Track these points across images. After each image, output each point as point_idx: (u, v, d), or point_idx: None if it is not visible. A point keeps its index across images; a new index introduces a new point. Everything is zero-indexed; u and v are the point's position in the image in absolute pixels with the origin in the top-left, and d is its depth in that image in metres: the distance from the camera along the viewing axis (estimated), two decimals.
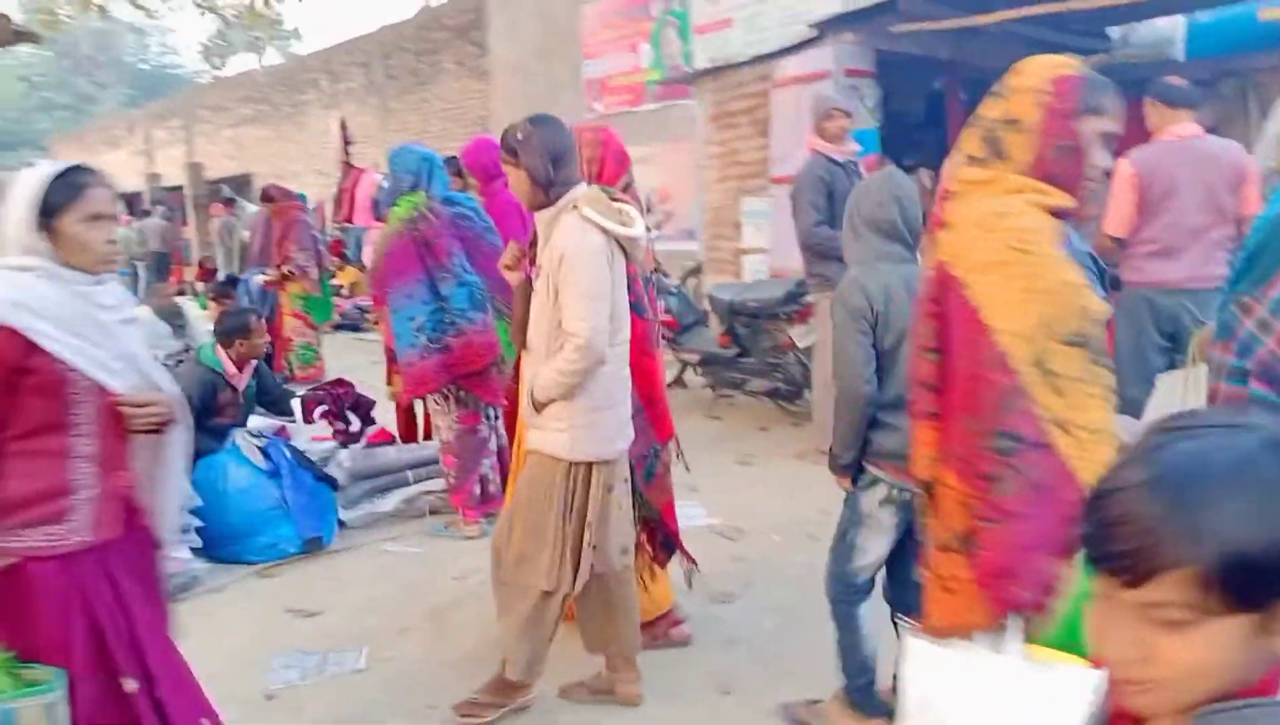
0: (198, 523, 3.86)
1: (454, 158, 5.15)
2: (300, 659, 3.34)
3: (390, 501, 4.77)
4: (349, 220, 14.24)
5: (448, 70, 15.20)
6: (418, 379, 4.29)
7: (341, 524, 4.56)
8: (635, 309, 3.02)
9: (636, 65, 11.72)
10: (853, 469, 2.61)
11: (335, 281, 14.03)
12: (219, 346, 4.60)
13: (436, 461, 4.68)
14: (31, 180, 1.99)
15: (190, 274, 16.17)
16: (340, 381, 5.57)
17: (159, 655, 2.11)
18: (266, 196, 8.64)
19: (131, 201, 19.68)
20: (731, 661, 3.24)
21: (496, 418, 4.52)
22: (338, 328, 11.50)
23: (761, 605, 3.65)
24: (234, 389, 4.60)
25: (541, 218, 2.75)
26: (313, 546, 4.32)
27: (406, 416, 5.71)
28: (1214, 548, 0.76)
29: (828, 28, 6.54)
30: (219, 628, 3.60)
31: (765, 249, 7.57)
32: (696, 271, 8.76)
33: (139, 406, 2.06)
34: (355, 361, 8.87)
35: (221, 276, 11.63)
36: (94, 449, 2.03)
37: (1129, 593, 0.79)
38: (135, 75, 38.68)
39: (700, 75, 8.36)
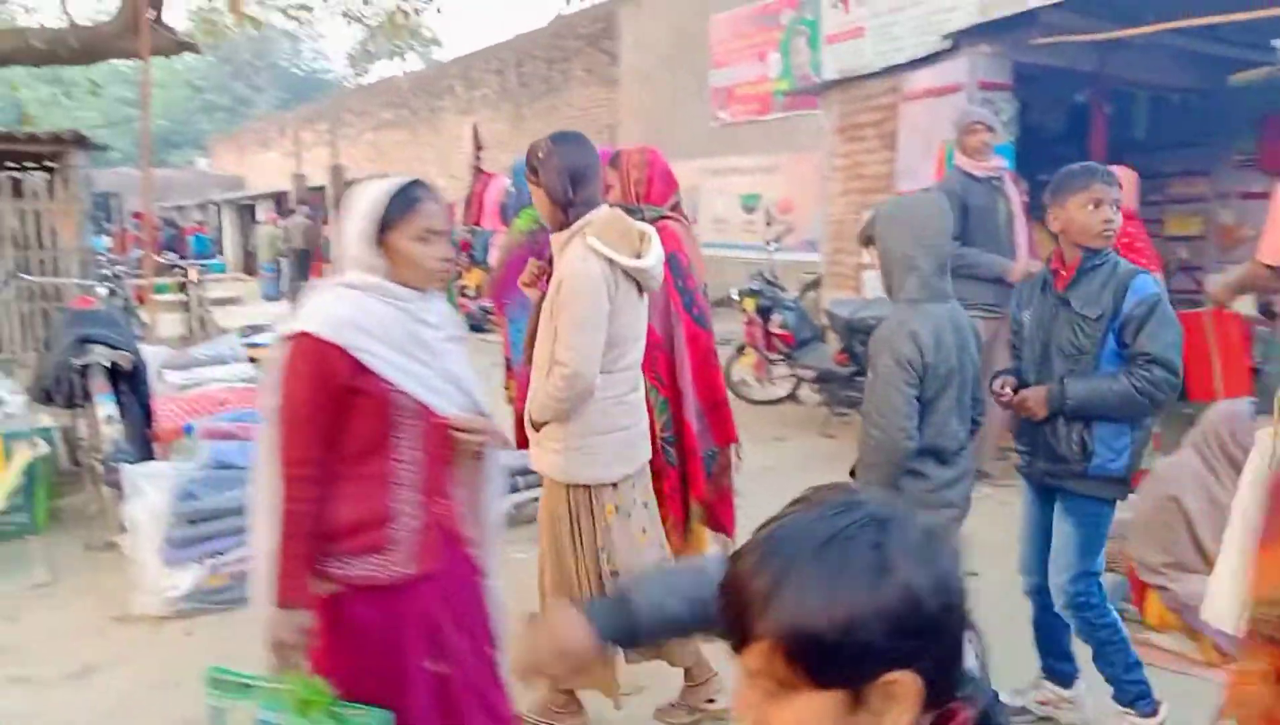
0: None
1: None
2: None
3: (500, 507, 4.86)
4: (477, 223, 14.66)
5: (578, 77, 15.45)
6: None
7: None
8: (699, 322, 3.15)
9: (764, 75, 11.63)
10: None
11: (461, 282, 14.48)
12: None
13: None
14: (371, 194, 1.94)
15: (328, 270, 16.96)
16: None
17: (484, 696, 2.02)
18: None
19: (280, 201, 20.83)
20: None
21: None
22: (472, 329, 11.83)
23: None
24: None
25: (557, 240, 2.71)
26: None
27: (520, 423, 5.83)
28: (782, 621, 0.76)
29: (963, 39, 6.33)
30: None
31: None
32: (815, 285, 8.62)
33: (469, 430, 1.98)
34: (477, 363, 9.05)
35: None
36: (417, 475, 1.94)
37: (739, 659, 0.81)
38: (288, 80, 40.91)
39: (828, 86, 8.22)
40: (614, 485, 2.68)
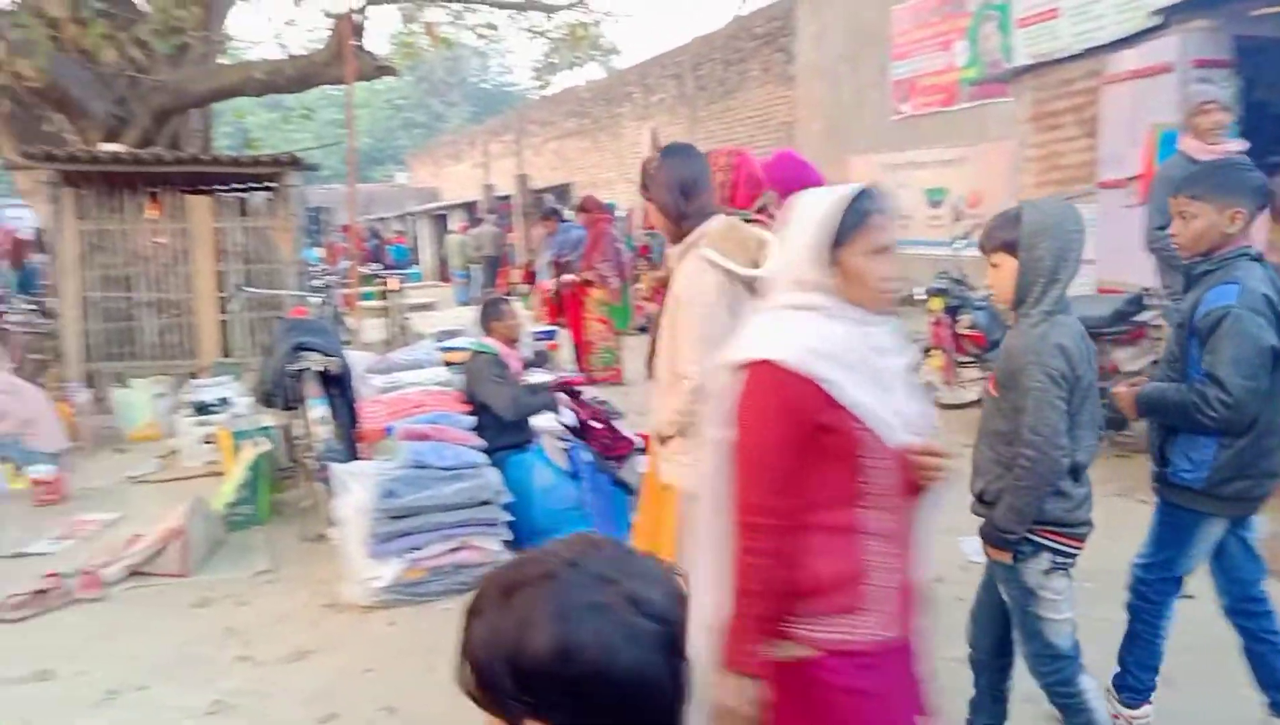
0: (508, 517, 4.20)
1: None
2: None
3: None
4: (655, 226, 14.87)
5: (754, 77, 15.37)
6: None
7: (631, 528, 4.76)
8: None
9: (950, 64, 11.15)
10: (1017, 542, 2.37)
11: (640, 285, 14.72)
12: (485, 333, 4.95)
13: None
14: (822, 206, 1.75)
15: (515, 276, 17.69)
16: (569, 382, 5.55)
17: None
18: (583, 208, 9.21)
19: (470, 210, 21.89)
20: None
21: None
22: (642, 330, 12.00)
23: None
24: (508, 366, 4.88)
25: (673, 254, 2.68)
26: None
27: None
28: (463, 647, 0.87)
29: (1173, 14, 5.84)
30: None
31: (1090, 260, 6.91)
32: None
33: (929, 459, 1.76)
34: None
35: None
36: (886, 523, 1.72)
37: None
38: (478, 94, 42.98)
39: (1021, 72, 7.79)
40: None
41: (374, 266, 15.65)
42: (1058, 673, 2.44)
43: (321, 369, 4.90)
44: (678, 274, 2.63)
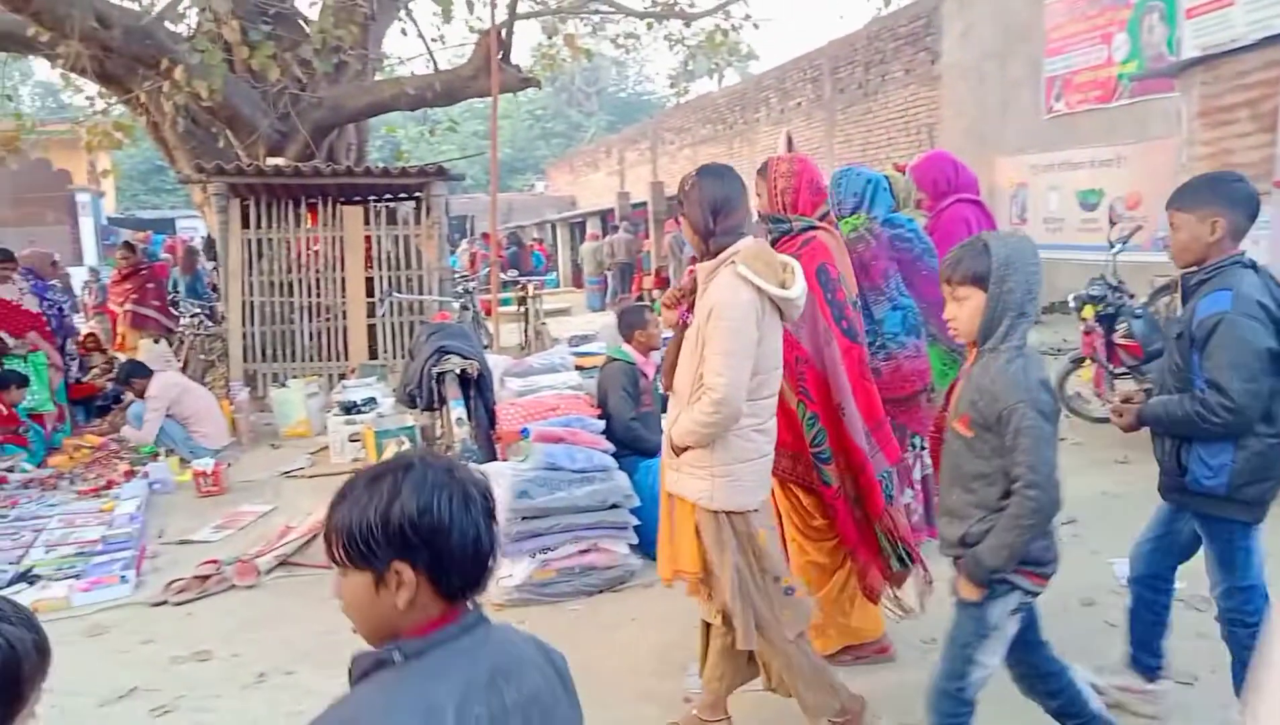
0: (635, 521, 4.21)
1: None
2: None
3: None
4: None
5: (895, 79, 14.97)
6: None
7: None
8: (848, 335, 3.12)
9: (1108, 58, 10.55)
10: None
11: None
12: (624, 340, 4.98)
13: None
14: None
15: (648, 282, 17.84)
16: None
17: None
18: None
19: (605, 218, 22.21)
20: None
21: (922, 447, 4.33)
22: None
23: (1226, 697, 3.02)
24: (645, 376, 4.94)
25: (702, 268, 2.75)
26: None
27: None
28: (333, 522, 1.23)
29: None
30: (648, 622, 3.87)
31: (1268, 265, 6.38)
32: (1166, 290, 7.64)
33: None
34: None
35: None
36: None
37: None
38: (614, 104, 43.62)
39: (1190, 65, 7.27)
40: (756, 510, 2.72)
41: (513, 272, 16.09)
42: (954, 715, 2.37)
43: (462, 372, 5.06)
44: (710, 289, 2.67)
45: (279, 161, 8.91)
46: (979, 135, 12.52)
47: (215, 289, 11.99)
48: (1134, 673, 2.99)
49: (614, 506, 4.10)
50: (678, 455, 2.74)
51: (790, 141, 14.59)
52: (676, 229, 14.82)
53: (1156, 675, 2.97)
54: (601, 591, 4.19)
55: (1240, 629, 2.67)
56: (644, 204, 20.11)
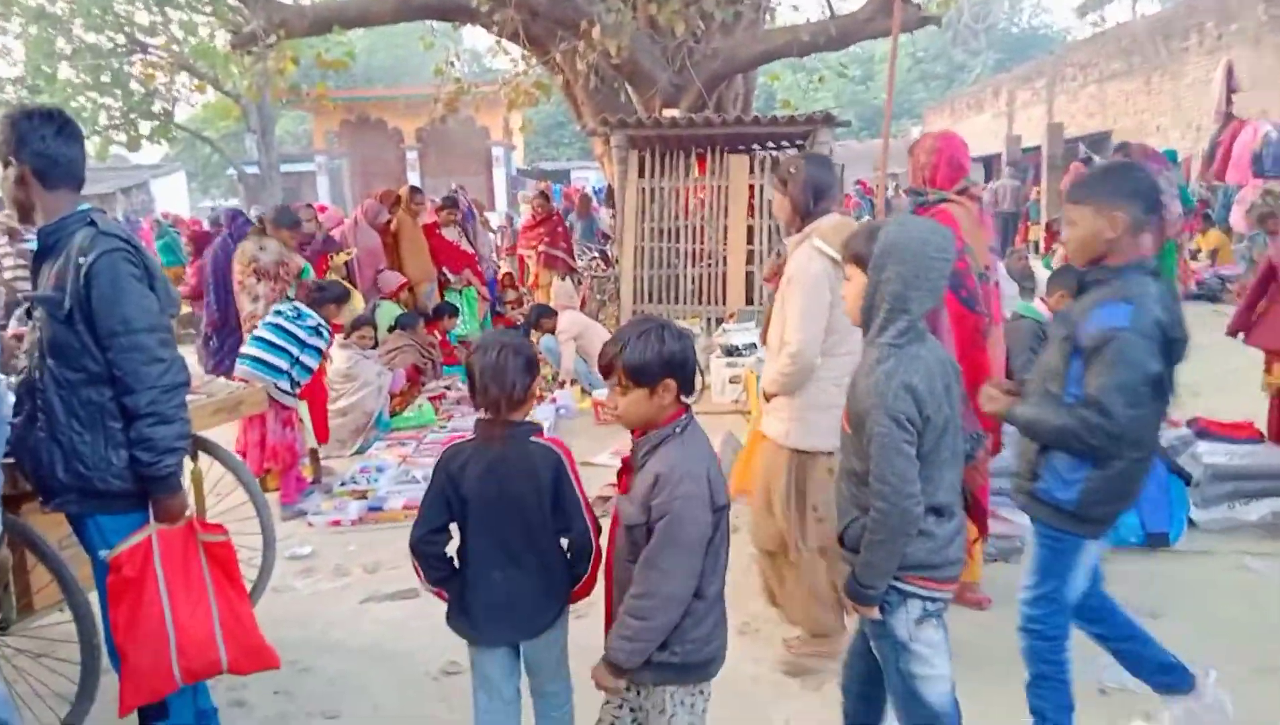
0: None
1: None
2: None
3: (1256, 510, 4.17)
4: (1220, 177, 12.71)
5: None
6: None
7: (1192, 524, 4.16)
8: (966, 303, 3.28)
9: None
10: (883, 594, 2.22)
11: (1194, 246, 12.73)
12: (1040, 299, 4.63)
13: None
14: None
15: (1036, 234, 16.44)
16: None
17: None
18: (1127, 155, 8.16)
19: (989, 165, 20.74)
20: None
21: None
22: (1193, 297, 10.40)
23: None
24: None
25: (791, 241, 3.20)
26: (1155, 542, 4.03)
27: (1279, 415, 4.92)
28: (625, 361, 2.07)
29: None
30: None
31: None
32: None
33: None
34: (1203, 339, 7.95)
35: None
36: None
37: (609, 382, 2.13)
38: (1006, 41, 40.29)
39: None
40: (829, 453, 3.02)
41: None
42: None
43: None
44: (791, 259, 3.12)
45: (674, 113, 9.34)
46: None
47: (605, 236, 13.00)
48: (1173, 695, 2.72)
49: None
50: (767, 401, 3.24)
51: (1231, 72, 12.58)
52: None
53: (1190, 683, 2.69)
54: (996, 561, 3.98)
55: (1039, 642, 2.56)
56: (1036, 148, 18.49)
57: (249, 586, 3.05)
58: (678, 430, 2.09)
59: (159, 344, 2.46)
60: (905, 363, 2.12)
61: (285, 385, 5.08)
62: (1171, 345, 2.33)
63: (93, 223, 2.47)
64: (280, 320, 5.10)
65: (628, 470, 2.19)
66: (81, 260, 2.38)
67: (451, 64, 10.95)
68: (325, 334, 5.28)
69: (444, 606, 2.40)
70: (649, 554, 2.03)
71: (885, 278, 2.15)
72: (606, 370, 2.14)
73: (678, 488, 2.01)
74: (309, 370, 5.23)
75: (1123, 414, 2.27)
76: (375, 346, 6.77)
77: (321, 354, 5.36)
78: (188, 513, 2.63)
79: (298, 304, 5.31)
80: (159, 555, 2.51)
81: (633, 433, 2.17)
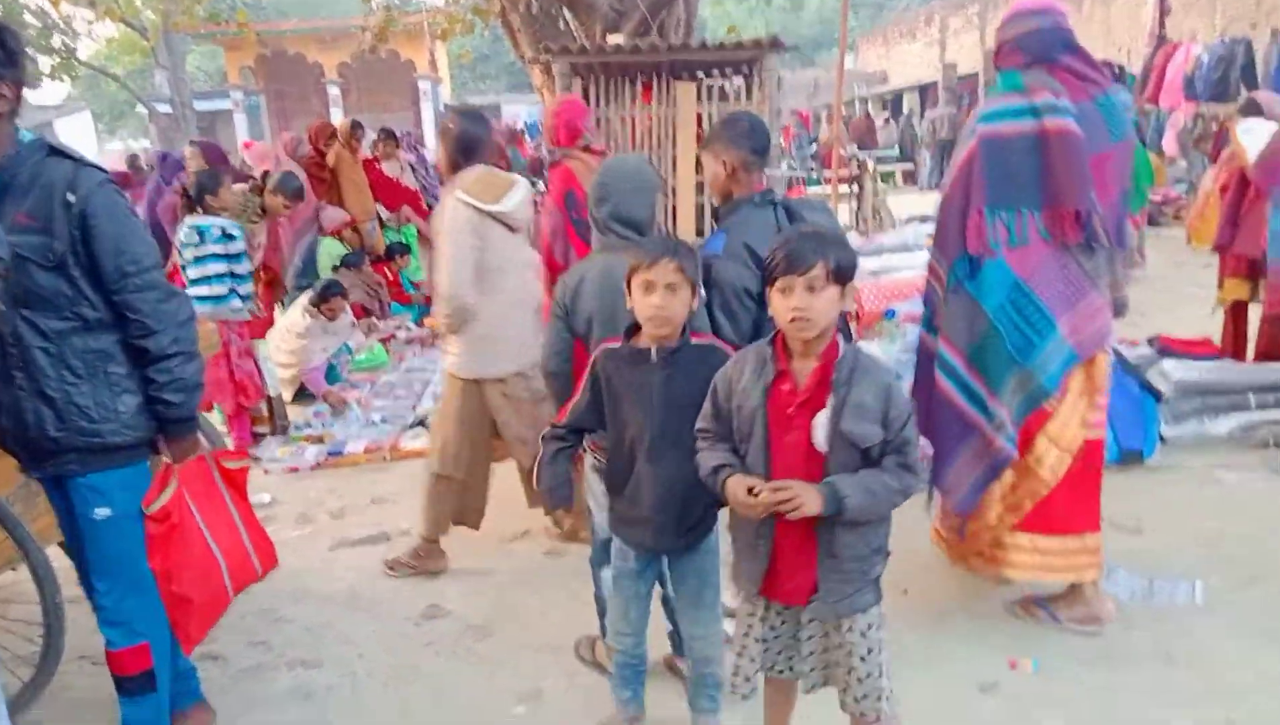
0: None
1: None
2: (1128, 580, 3.18)
3: (1224, 424, 4.24)
4: (1153, 100, 12.87)
5: None
6: None
7: (1163, 439, 4.22)
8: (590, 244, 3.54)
9: None
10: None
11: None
12: None
13: None
14: None
15: None
16: None
17: None
18: None
19: (924, 92, 20.75)
20: None
21: None
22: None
23: None
24: None
25: (445, 192, 3.51)
26: (1129, 458, 4.08)
27: (1235, 329, 5.02)
28: (830, 257, 1.88)
29: None
30: None
31: None
32: None
33: None
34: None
35: None
36: None
37: (800, 278, 1.86)
38: None
39: None
40: (501, 380, 3.44)
41: (852, 149, 15.58)
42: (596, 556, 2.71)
43: None
44: (438, 212, 3.41)
45: (618, 38, 9.02)
46: None
47: (536, 170, 12.67)
48: None
49: None
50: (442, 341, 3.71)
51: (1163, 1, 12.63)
52: None
53: None
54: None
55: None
56: (974, 75, 18.53)
57: None
58: (855, 341, 2.00)
59: (166, 279, 2.37)
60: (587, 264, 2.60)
61: (235, 303, 4.79)
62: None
63: (59, 152, 2.21)
64: (194, 251, 4.67)
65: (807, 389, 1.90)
66: (71, 197, 2.13)
67: None
68: (238, 233, 4.83)
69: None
70: (905, 459, 1.89)
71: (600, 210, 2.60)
72: (790, 264, 1.85)
73: (903, 391, 1.97)
74: (248, 276, 4.93)
75: (724, 326, 2.55)
76: (334, 319, 6.23)
77: (247, 256, 4.93)
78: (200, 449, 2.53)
79: (194, 223, 4.73)
80: (190, 496, 2.43)
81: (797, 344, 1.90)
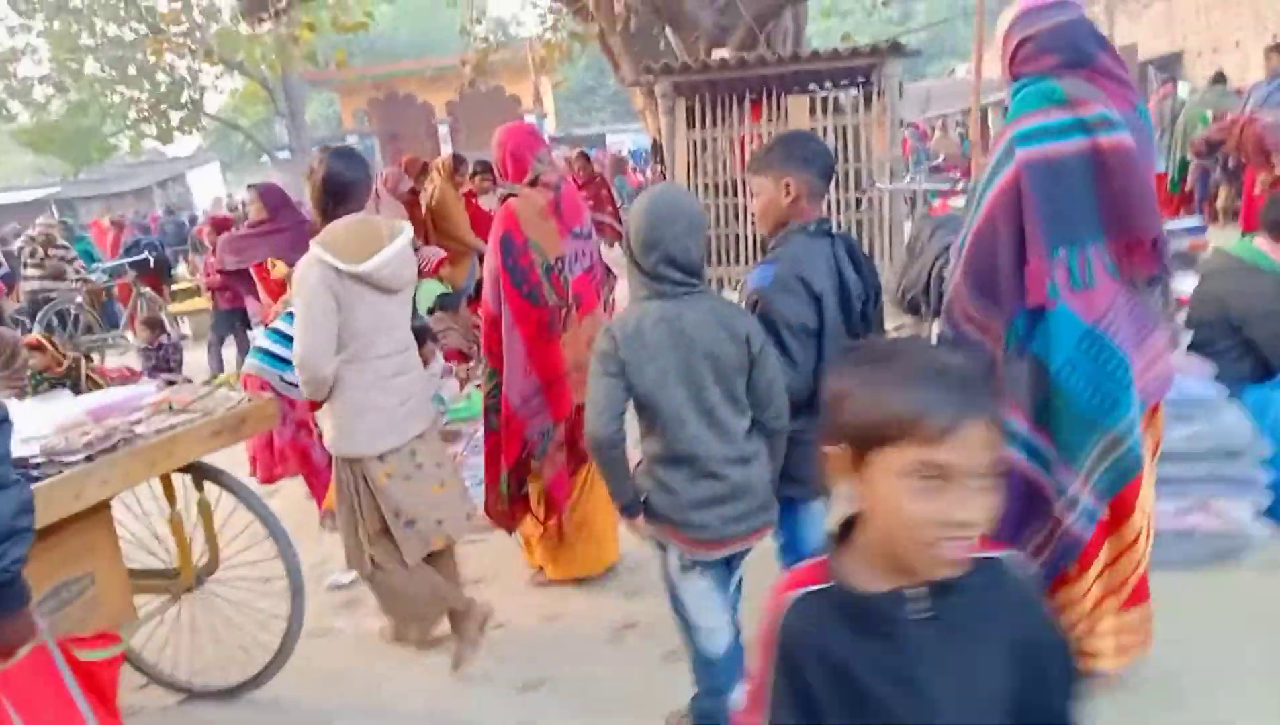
0: (1269, 476, 3.11)
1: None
2: None
3: None
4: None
5: None
6: None
7: None
8: (529, 298, 3.27)
9: None
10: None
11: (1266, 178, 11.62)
12: None
13: None
14: None
15: None
16: None
17: None
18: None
19: None
20: None
21: None
22: None
23: None
24: None
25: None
26: None
27: None
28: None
29: None
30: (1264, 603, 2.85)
31: None
32: None
33: None
34: None
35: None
36: None
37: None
38: None
39: None
40: (380, 457, 2.95)
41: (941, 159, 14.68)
42: (712, 680, 2.35)
43: None
44: (297, 266, 2.91)
45: (723, 53, 8.50)
46: None
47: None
48: None
49: (1232, 454, 3.04)
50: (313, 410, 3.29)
51: None
52: (1170, 93, 12.24)
53: None
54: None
55: None
56: None
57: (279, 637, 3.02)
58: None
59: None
60: (638, 315, 2.23)
61: (291, 375, 4.38)
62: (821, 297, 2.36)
63: None
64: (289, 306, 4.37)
65: None
66: None
67: (477, 21, 10.20)
68: None
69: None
70: None
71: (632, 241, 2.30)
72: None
73: None
74: None
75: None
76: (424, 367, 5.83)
77: None
78: (38, 634, 1.84)
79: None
80: (10, 704, 1.74)
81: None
